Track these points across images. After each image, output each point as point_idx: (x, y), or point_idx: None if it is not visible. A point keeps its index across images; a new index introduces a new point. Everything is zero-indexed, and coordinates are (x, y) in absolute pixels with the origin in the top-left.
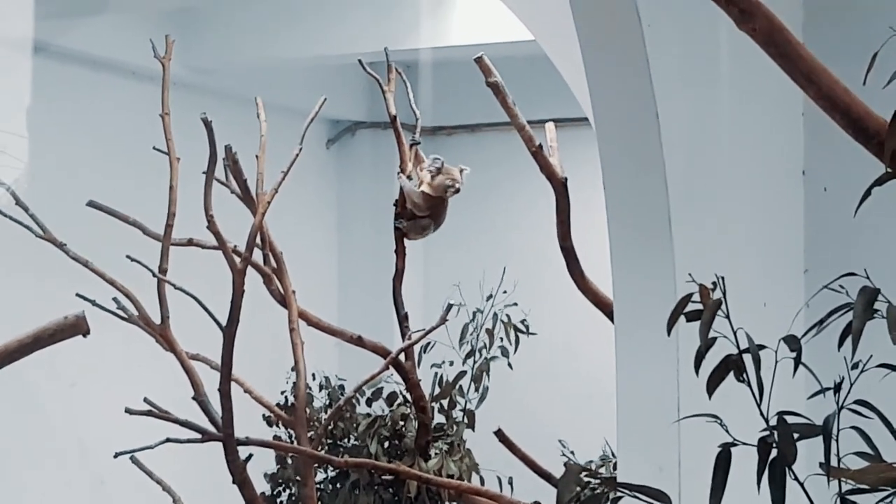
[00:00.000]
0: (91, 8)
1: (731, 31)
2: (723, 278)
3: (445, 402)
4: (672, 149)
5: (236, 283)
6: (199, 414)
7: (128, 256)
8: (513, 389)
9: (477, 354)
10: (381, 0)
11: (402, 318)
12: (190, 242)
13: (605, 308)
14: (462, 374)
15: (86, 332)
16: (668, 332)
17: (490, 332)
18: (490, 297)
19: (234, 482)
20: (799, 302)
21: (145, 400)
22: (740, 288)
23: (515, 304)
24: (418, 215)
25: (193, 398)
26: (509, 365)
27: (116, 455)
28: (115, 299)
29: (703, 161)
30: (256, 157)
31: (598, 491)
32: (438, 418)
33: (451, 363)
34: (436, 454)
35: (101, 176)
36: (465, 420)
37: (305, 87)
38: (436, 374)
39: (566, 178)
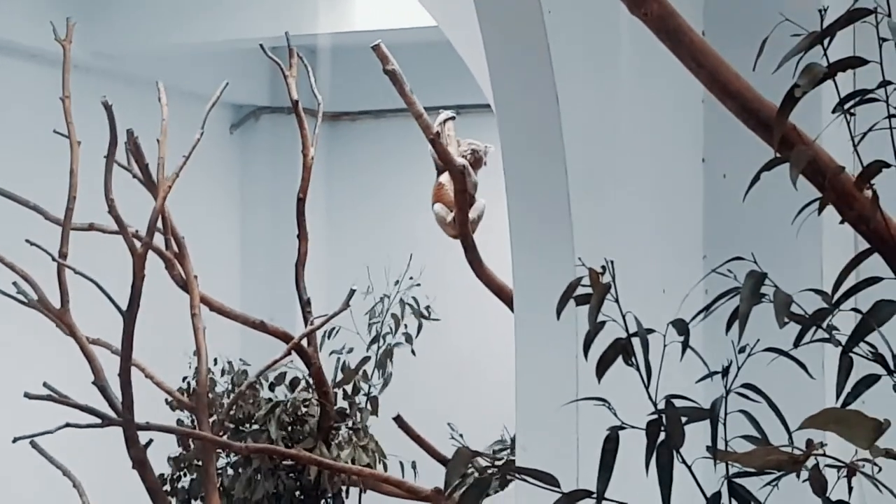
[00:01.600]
0: None
1: (630, 18)
2: (612, 262)
3: (349, 388)
4: (572, 135)
5: (137, 268)
6: (100, 399)
7: (27, 241)
8: (416, 376)
9: (381, 340)
10: None
11: (305, 304)
12: (91, 227)
13: (504, 297)
14: (366, 359)
15: None
16: (558, 316)
17: (396, 318)
18: (397, 282)
19: (133, 467)
20: (697, 288)
21: (45, 385)
22: (638, 274)
23: (419, 284)
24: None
25: (94, 383)
26: (412, 352)
27: (15, 440)
28: (14, 283)
29: (603, 147)
30: (158, 141)
31: (490, 473)
32: (342, 404)
33: (351, 350)
34: (345, 443)
35: (1, 159)
36: (369, 406)
37: (208, 72)
38: (338, 359)
39: (464, 166)
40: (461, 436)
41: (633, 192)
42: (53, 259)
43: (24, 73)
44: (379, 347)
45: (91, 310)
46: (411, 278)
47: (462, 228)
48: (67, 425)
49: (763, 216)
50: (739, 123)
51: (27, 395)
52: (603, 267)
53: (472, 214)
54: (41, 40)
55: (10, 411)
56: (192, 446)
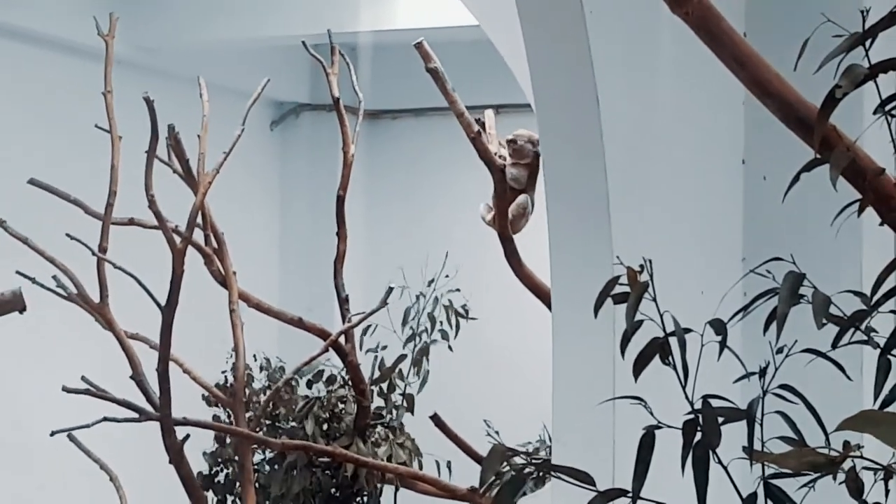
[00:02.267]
0: None
1: (672, 18)
2: (650, 261)
3: (385, 386)
4: (612, 135)
5: (176, 263)
6: (137, 393)
7: (68, 234)
8: (452, 374)
9: (417, 338)
10: None
11: (343, 301)
12: (131, 222)
13: (543, 295)
14: (402, 357)
15: (22, 309)
16: (595, 314)
17: (431, 317)
18: (432, 281)
19: (170, 461)
20: (736, 289)
21: (83, 378)
22: (677, 274)
23: (458, 289)
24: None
25: (131, 377)
26: (450, 347)
27: (53, 433)
28: (54, 277)
29: (643, 148)
30: (199, 137)
31: (527, 471)
32: (378, 402)
33: (385, 347)
34: (383, 440)
35: (43, 153)
36: (405, 404)
37: (249, 69)
38: (375, 357)
39: (504, 165)
40: (497, 433)
41: (673, 193)
42: (93, 253)
43: (67, 68)
44: (415, 346)
45: (130, 304)
46: (447, 276)
47: (501, 227)
48: (105, 419)
49: (802, 218)
50: (780, 125)
51: (65, 389)
52: (641, 266)
53: (512, 211)
54: (84, 35)
55: (48, 405)
56: (229, 442)
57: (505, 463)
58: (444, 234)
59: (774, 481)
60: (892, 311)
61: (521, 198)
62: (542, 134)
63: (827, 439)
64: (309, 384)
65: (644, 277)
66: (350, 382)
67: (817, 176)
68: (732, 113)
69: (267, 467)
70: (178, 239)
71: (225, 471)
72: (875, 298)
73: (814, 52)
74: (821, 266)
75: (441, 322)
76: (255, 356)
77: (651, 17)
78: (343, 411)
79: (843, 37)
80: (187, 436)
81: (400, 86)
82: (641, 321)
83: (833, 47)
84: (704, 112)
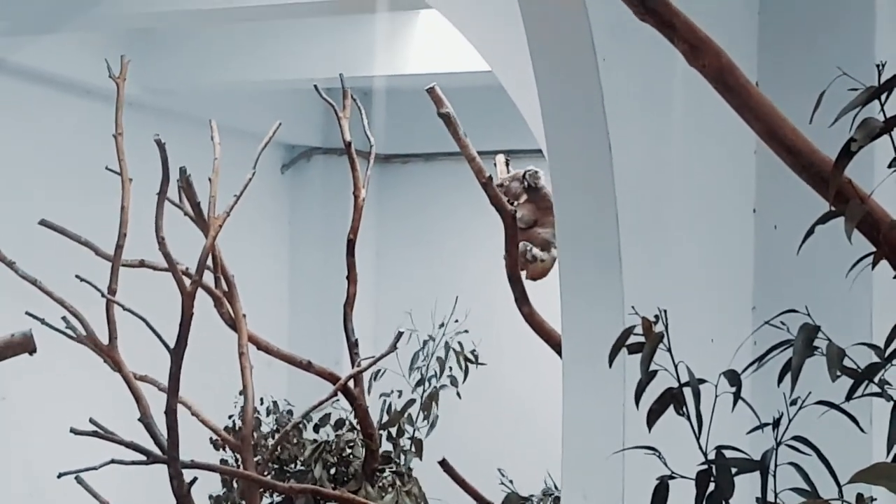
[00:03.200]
0: (47, 25)
1: (685, 67)
2: (665, 311)
3: (394, 430)
4: (624, 182)
5: (185, 306)
6: (145, 435)
7: (77, 276)
8: (461, 419)
9: (426, 383)
10: (339, 26)
11: (353, 345)
12: (141, 264)
13: (552, 341)
14: (411, 402)
15: (32, 351)
16: (610, 364)
17: (441, 361)
18: (442, 325)
19: None
20: (747, 339)
21: (91, 420)
22: (688, 323)
23: (466, 331)
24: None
25: (139, 419)
26: (458, 394)
27: (61, 475)
28: (63, 318)
29: (654, 196)
30: (210, 179)
31: None
32: (386, 446)
33: (400, 393)
34: (389, 486)
35: (53, 194)
36: (413, 449)
37: (261, 112)
38: (384, 401)
39: (515, 211)
40: (511, 481)
41: (684, 241)
42: (103, 295)
43: (79, 109)
44: (424, 390)
45: (139, 346)
46: (456, 321)
47: (513, 272)
48: (112, 461)
49: (813, 268)
50: (791, 175)
51: (73, 431)
52: (656, 316)
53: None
54: (95, 77)
55: (56, 446)
56: (236, 485)
57: None
58: (454, 279)
59: None
60: None
61: (521, 245)
62: (554, 180)
63: (840, 492)
64: (316, 428)
65: (659, 327)
66: (359, 426)
67: (828, 227)
68: (744, 162)
69: None
70: (188, 281)
71: None
72: (888, 351)
73: (825, 103)
74: (831, 317)
75: (451, 367)
76: (262, 399)
77: (664, 66)
78: (351, 455)
79: (858, 90)
80: (195, 479)
81: (411, 130)
82: (656, 371)
83: (841, 99)
84: (716, 161)
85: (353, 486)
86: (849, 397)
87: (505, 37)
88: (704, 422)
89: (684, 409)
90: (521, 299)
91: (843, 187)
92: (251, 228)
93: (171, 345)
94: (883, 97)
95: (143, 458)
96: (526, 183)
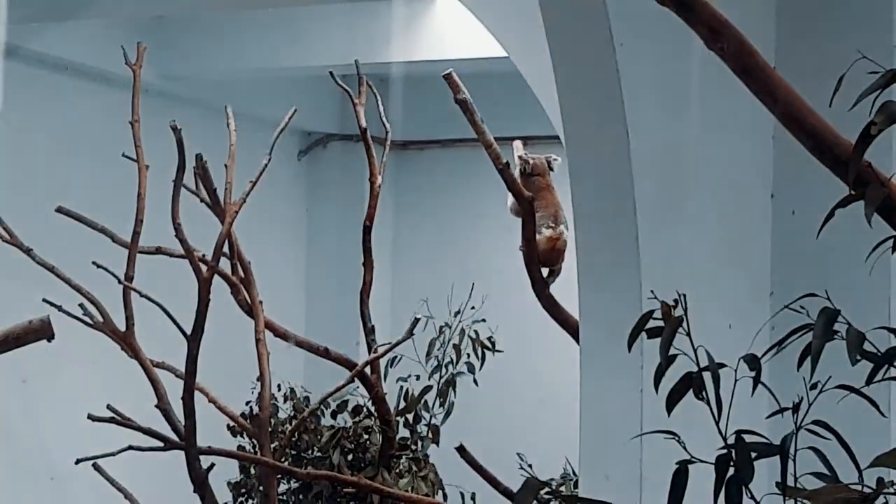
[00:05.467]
0: (64, 13)
1: (703, 52)
2: (685, 296)
3: (410, 417)
4: (642, 168)
5: (202, 292)
6: (162, 422)
7: (94, 263)
8: (477, 405)
9: (443, 370)
10: (354, 12)
11: (369, 331)
12: (158, 250)
13: (570, 328)
14: (428, 388)
15: (50, 337)
16: (629, 348)
17: (457, 348)
18: (458, 312)
19: (194, 491)
20: (765, 324)
21: (108, 407)
22: (706, 308)
23: (483, 320)
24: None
25: (157, 406)
26: (475, 381)
27: (78, 461)
28: (80, 305)
29: (672, 181)
30: (226, 166)
31: None
32: (403, 432)
33: (418, 377)
34: (405, 472)
35: (70, 181)
36: (430, 435)
37: (277, 98)
38: (401, 387)
39: (533, 197)
40: (530, 466)
41: (702, 227)
42: (119, 282)
43: (95, 96)
44: (441, 377)
45: (156, 333)
46: (473, 308)
47: (530, 259)
48: (130, 448)
49: (831, 253)
50: (809, 160)
51: (90, 417)
52: (675, 300)
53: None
54: (111, 64)
55: (73, 433)
56: (254, 472)
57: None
58: (471, 265)
59: None
60: None
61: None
62: (572, 166)
63: (860, 476)
64: (333, 415)
65: (678, 312)
66: (376, 413)
67: (846, 211)
68: (762, 147)
69: (292, 497)
70: (204, 268)
71: (249, 501)
72: None
73: (844, 87)
74: (850, 301)
75: (468, 354)
76: (279, 386)
77: (681, 51)
78: (368, 442)
79: (877, 73)
80: (212, 465)
81: (428, 117)
82: (675, 355)
83: (860, 83)
84: (734, 146)
85: (370, 472)
86: (869, 381)
87: (522, 23)
88: (724, 406)
89: (704, 393)
90: (539, 285)
91: (862, 171)
92: (268, 215)
93: (188, 331)
94: None
95: (161, 444)
96: (523, 168)
